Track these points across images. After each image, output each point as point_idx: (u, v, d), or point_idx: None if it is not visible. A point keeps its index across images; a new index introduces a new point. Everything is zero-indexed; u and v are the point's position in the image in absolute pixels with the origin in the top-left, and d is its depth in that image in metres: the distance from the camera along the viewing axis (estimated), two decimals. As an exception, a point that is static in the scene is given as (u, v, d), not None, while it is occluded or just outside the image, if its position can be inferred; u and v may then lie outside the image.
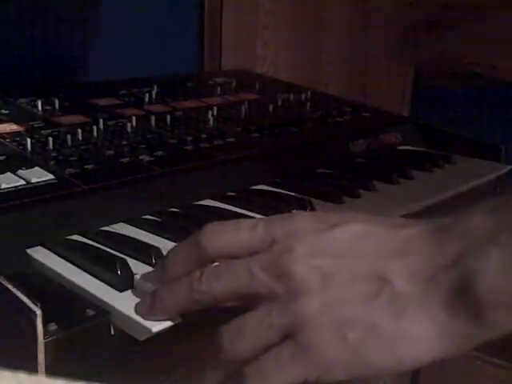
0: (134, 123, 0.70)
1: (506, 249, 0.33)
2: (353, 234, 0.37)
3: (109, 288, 0.42)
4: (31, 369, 0.36)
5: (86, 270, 0.45)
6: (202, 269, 0.38)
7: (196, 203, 0.58)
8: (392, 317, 0.35)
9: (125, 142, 0.64)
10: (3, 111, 0.71)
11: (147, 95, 0.81)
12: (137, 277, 0.43)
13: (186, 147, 0.65)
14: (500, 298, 0.33)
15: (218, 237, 0.38)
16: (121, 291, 0.42)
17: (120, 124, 0.70)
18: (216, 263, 0.39)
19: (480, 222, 0.35)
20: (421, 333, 0.34)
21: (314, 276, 0.36)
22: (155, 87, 0.85)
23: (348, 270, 0.36)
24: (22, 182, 0.52)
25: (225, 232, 0.38)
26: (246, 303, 0.37)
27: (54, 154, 0.59)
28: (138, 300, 0.40)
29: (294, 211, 0.55)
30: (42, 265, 0.46)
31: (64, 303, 0.40)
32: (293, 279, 0.36)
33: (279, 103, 0.86)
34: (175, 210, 0.56)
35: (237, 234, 0.38)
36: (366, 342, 0.35)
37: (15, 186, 0.51)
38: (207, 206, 0.58)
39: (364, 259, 0.36)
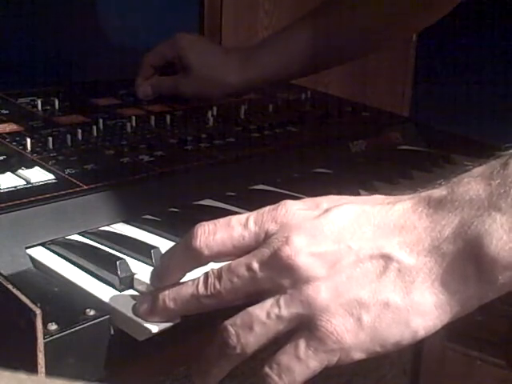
0: (133, 123, 0.70)
1: (509, 214, 0.34)
2: (348, 216, 0.37)
3: (109, 288, 0.42)
4: (31, 369, 0.36)
5: (86, 270, 0.45)
6: (206, 272, 0.38)
7: (196, 203, 0.58)
8: (403, 291, 0.35)
9: (125, 142, 0.64)
10: (3, 111, 0.71)
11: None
12: (137, 277, 0.43)
13: (185, 147, 0.65)
14: (510, 259, 0.34)
15: (212, 238, 0.38)
16: (121, 291, 0.42)
17: (120, 124, 0.70)
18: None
19: (477, 191, 0.35)
20: (432, 302, 0.35)
21: (317, 263, 0.36)
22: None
23: (351, 253, 0.36)
24: (22, 182, 0.52)
25: (217, 232, 0.38)
26: (253, 300, 0.37)
27: (54, 154, 0.59)
28: (137, 300, 0.40)
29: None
30: (42, 265, 0.46)
31: (64, 303, 0.40)
32: (297, 270, 0.36)
33: (279, 103, 0.86)
34: (175, 209, 0.56)
35: (230, 232, 0.38)
36: (382, 320, 0.35)
37: (15, 186, 0.51)
38: (207, 205, 0.58)
39: (364, 240, 0.36)
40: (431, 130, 0.85)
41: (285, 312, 0.36)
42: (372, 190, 0.63)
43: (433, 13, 0.83)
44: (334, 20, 0.82)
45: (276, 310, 0.36)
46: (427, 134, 0.84)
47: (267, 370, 0.36)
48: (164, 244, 0.48)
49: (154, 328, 0.38)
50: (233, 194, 0.61)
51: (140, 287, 0.42)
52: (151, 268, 0.44)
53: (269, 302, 0.36)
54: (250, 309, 0.37)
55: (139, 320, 0.39)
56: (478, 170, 0.37)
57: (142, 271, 0.43)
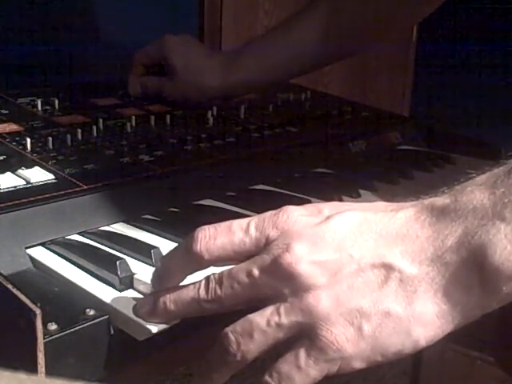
0: (133, 123, 0.70)
1: None
2: (350, 223, 0.37)
3: (109, 288, 0.42)
4: (31, 369, 0.36)
5: (86, 270, 0.45)
6: (207, 276, 0.38)
7: (196, 203, 0.58)
8: (404, 301, 0.35)
9: (125, 142, 0.64)
10: (3, 111, 0.71)
11: (147, 95, 0.81)
12: (137, 277, 0.43)
13: (185, 147, 0.65)
14: None
15: (213, 242, 0.38)
16: (121, 291, 0.42)
17: (120, 124, 0.70)
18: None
19: (481, 200, 0.35)
20: (434, 312, 0.35)
21: (318, 271, 0.35)
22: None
23: (352, 262, 0.36)
24: (22, 182, 0.52)
25: (218, 237, 0.38)
26: (253, 306, 0.37)
27: (54, 154, 0.59)
28: (137, 300, 0.40)
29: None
30: (42, 265, 0.46)
31: (64, 303, 0.40)
32: (297, 278, 0.35)
33: (279, 103, 0.86)
34: (175, 209, 0.56)
35: (230, 237, 0.38)
36: (383, 330, 0.35)
37: (15, 186, 0.51)
38: (207, 205, 0.58)
39: (365, 248, 0.36)
40: (431, 129, 0.85)
41: (285, 320, 0.36)
42: (372, 190, 0.63)
43: None
44: (333, 18, 0.82)
45: (276, 318, 0.36)
46: (427, 134, 0.84)
47: (267, 378, 0.36)
48: (164, 244, 0.48)
49: (154, 328, 0.38)
50: (233, 194, 0.61)
51: (140, 287, 0.42)
52: (151, 268, 0.44)
53: (269, 310, 0.36)
54: (251, 316, 0.37)
55: (139, 320, 0.39)
56: (481, 179, 0.37)
57: (142, 271, 0.43)
